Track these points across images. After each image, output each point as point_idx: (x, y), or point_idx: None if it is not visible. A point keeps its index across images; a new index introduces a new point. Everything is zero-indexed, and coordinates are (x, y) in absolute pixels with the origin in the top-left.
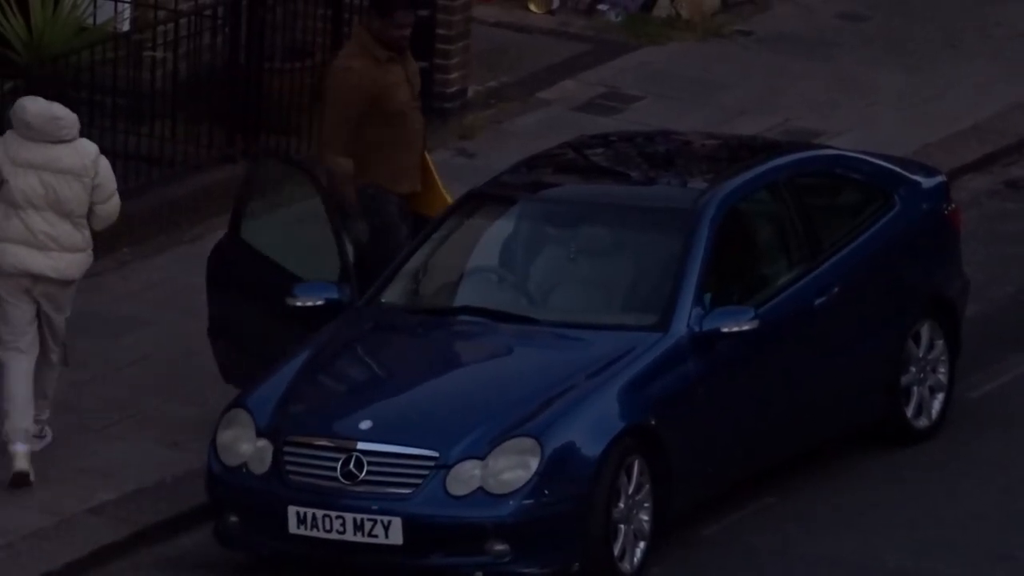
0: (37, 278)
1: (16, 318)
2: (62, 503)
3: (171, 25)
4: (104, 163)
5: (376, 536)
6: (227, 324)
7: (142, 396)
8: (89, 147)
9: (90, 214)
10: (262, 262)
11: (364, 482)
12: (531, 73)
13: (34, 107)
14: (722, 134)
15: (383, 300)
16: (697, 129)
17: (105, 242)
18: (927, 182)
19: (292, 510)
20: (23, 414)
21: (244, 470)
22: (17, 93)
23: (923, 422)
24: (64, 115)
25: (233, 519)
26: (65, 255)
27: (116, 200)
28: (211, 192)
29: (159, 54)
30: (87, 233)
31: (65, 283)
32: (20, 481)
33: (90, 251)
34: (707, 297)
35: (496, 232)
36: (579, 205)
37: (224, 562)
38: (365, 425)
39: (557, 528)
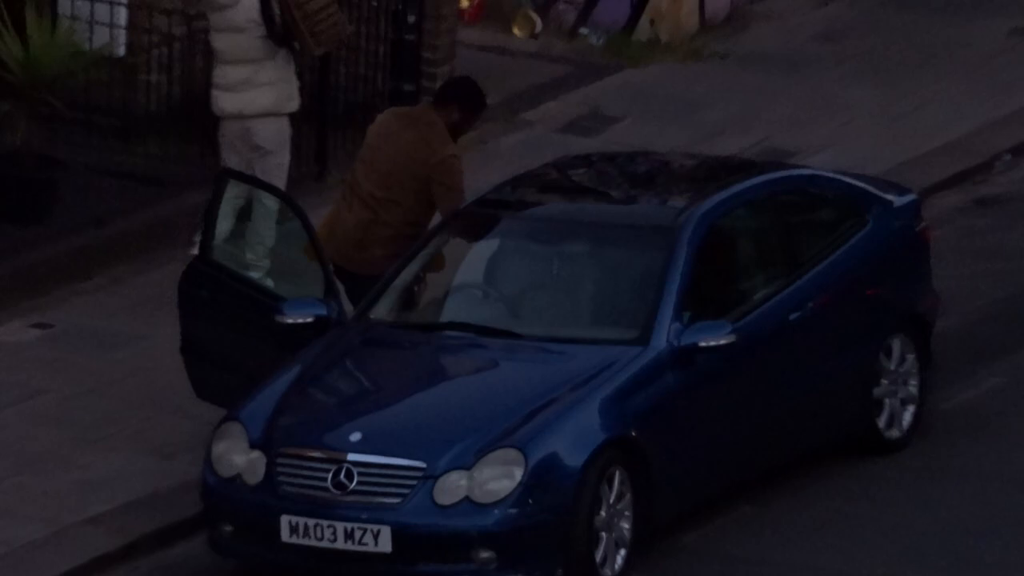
0: None
1: None
2: (59, 514)
3: (164, 49)
4: None
5: (366, 544)
6: (201, 340)
7: (136, 409)
8: None
9: None
10: (233, 281)
11: (354, 492)
12: (515, 94)
13: None
14: (701, 154)
15: (371, 316)
16: (677, 149)
17: (101, 259)
18: (899, 200)
19: (285, 519)
20: None
21: (238, 481)
22: (12, 116)
23: (895, 433)
24: None
25: (227, 529)
26: None
27: None
28: (200, 210)
29: (152, 77)
30: None
31: None
32: None
33: None
34: (686, 313)
35: (481, 249)
36: (562, 223)
37: (217, 571)
38: (355, 437)
39: (541, 536)
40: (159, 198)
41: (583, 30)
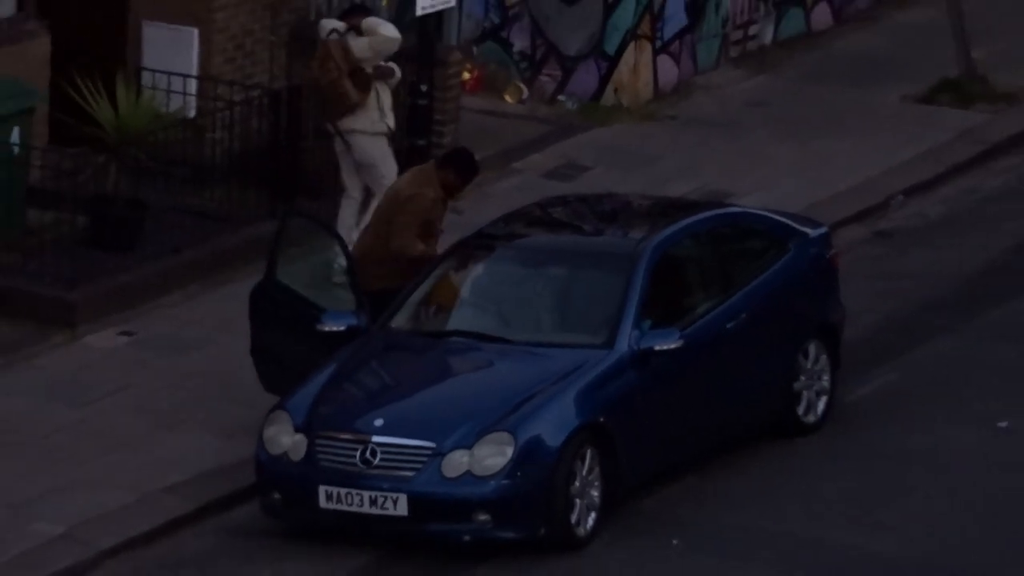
0: None
1: None
2: (143, 484)
3: (227, 112)
4: None
5: (387, 509)
6: (267, 345)
7: (204, 400)
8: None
9: None
10: (292, 297)
11: (378, 467)
12: (507, 148)
13: None
14: (655, 195)
15: (392, 325)
16: (635, 191)
17: (177, 280)
18: (814, 232)
19: (322, 489)
20: None
21: (285, 458)
22: (107, 167)
23: (811, 418)
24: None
25: (276, 496)
26: None
27: None
28: (258, 242)
29: (217, 135)
30: None
31: None
32: None
33: None
34: (646, 322)
35: (480, 272)
36: (544, 251)
37: (270, 530)
38: (378, 422)
39: (527, 502)
40: (223, 232)
41: (561, 97)
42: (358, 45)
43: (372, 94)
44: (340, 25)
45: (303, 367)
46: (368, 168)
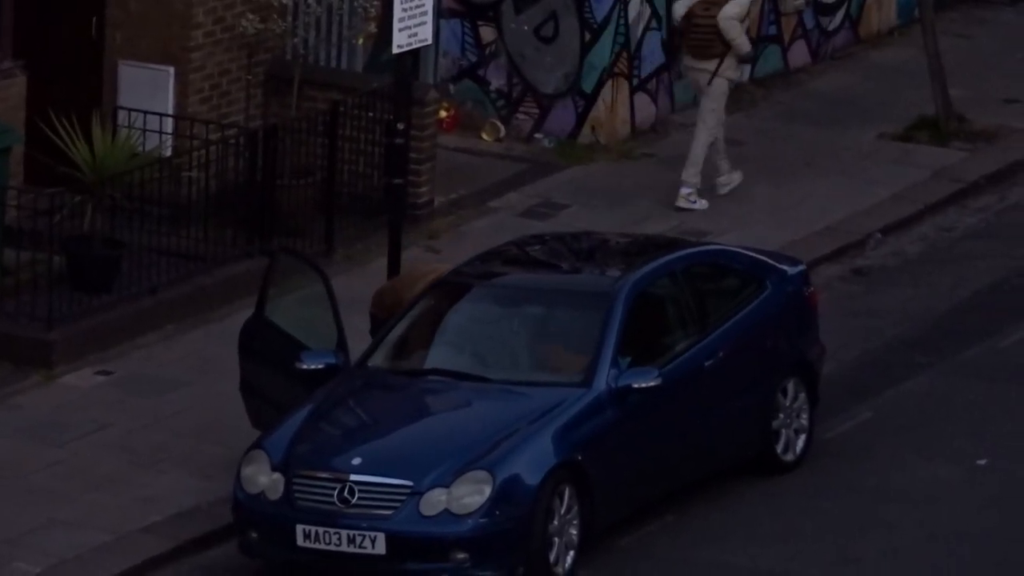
0: None
1: None
2: (121, 524)
3: (203, 151)
4: None
5: (365, 548)
6: (254, 382)
7: (182, 440)
8: None
9: None
10: (278, 334)
11: (355, 505)
12: (483, 187)
13: None
14: (632, 233)
15: (370, 364)
16: (613, 230)
17: (154, 320)
18: (791, 270)
19: (300, 528)
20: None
21: (262, 497)
22: (83, 206)
23: (789, 456)
24: None
25: (254, 535)
26: None
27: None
28: (235, 281)
29: (193, 174)
30: None
31: None
32: None
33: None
34: (624, 360)
35: (457, 310)
36: (521, 289)
37: (246, 569)
38: (356, 461)
39: (506, 540)
40: (200, 271)
41: (538, 136)
42: (731, 11)
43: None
44: None
45: (290, 403)
46: (704, 98)
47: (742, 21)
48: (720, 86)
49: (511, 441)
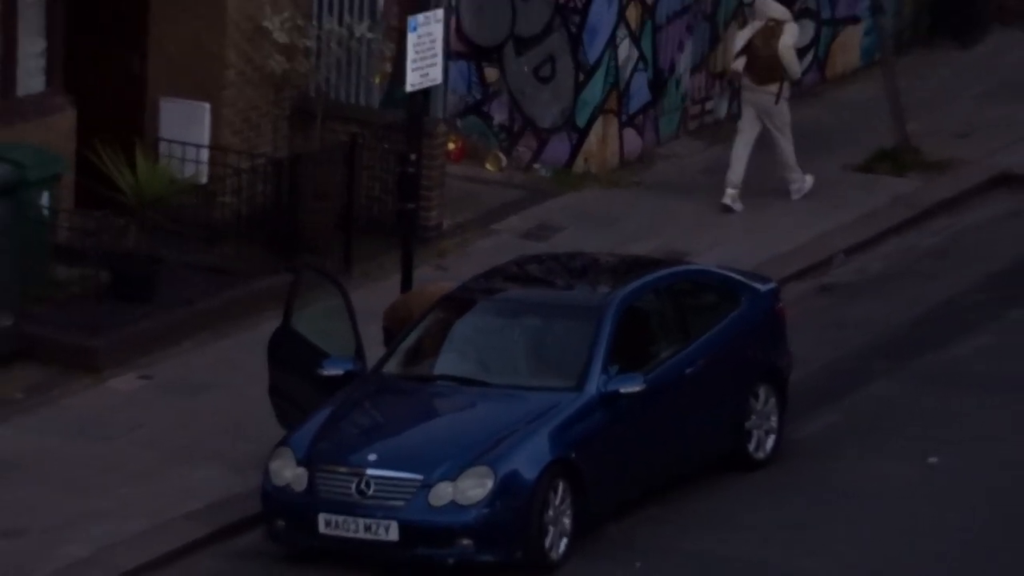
0: None
1: None
2: (161, 512)
3: (235, 178)
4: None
5: (380, 535)
6: (281, 386)
7: (215, 438)
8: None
9: None
10: (303, 342)
11: (371, 497)
12: (487, 212)
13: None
14: (620, 254)
15: (384, 370)
16: (603, 250)
17: (190, 329)
18: (763, 287)
19: (321, 517)
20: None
21: (288, 489)
22: (127, 227)
23: (760, 455)
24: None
25: (280, 523)
26: None
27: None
28: (263, 294)
29: (226, 198)
30: None
31: None
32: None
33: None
34: (613, 368)
35: (463, 322)
36: (520, 303)
37: (274, 554)
38: (372, 457)
39: (506, 529)
40: (231, 285)
41: (536, 166)
42: (786, 41)
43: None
44: (782, 14)
45: (313, 405)
46: (773, 117)
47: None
48: (784, 106)
49: (511, 440)
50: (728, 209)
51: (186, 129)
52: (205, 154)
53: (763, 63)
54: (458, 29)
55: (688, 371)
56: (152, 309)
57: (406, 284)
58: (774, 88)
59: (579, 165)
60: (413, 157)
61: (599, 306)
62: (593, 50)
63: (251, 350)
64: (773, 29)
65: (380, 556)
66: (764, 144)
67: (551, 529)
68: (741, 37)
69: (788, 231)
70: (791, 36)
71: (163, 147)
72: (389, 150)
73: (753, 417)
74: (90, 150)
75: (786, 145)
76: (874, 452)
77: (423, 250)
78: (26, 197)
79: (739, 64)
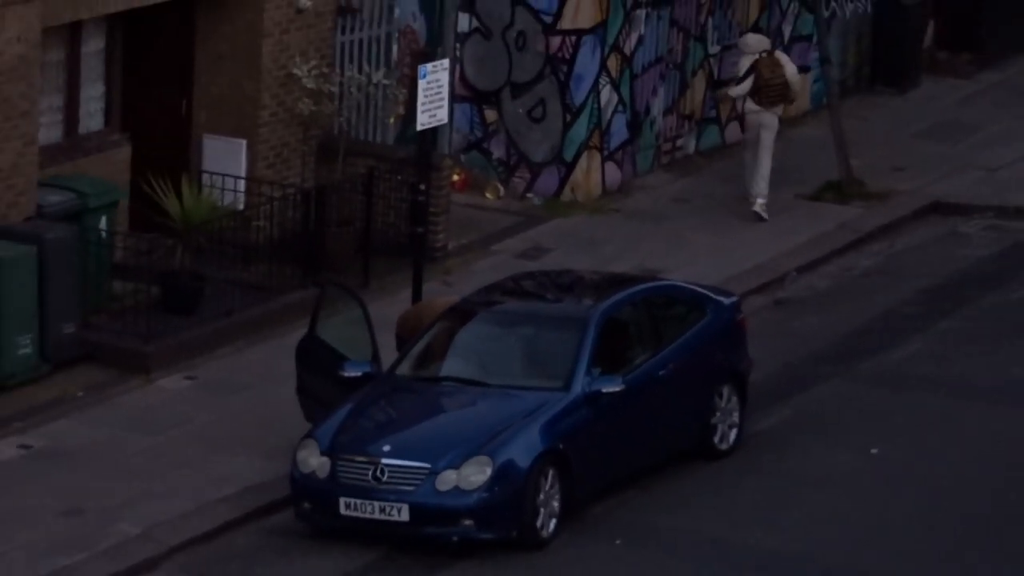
0: None
1: None
2: (202, 495)
3: (268, 206)
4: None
5: (392, 516)
6: (307, 385)
7: (250, 431)
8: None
9: None
10: (326, 348)
11: (385, 483)
12: (487, 234)
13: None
14: (602, 271)
15: (397, 372)
16: (587, 268)
17: (230, 337)
18: (726, 300)
19: (342, 500)
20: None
21: (313, 476)
22: (174, 248)
23: (724, 446)
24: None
25: (306, 505)
26: None
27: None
28: (292, 307)
29: (261, 223)
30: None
31: None
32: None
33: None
34: (596, 370)
35: (466, 331)
36: (516, 314)
37: (301, 532)
38: (386, 448)
39: (503, 510)
40: (265, 299)
41: (529, 195)
42: (792, 70)
43: None
44: (767, 44)
45: (335, 403)
46: (773, 134)
47: None
48: (776, 123)
49: (507, 433)
50: (760, 218)
51: (226, 163)
52: (242, 184)
53: (775, 90)
54: (462, 76)
55: (661, 373)
56: (196, 319)
57: (416, 297)
58: (779, 110)
59: (567, 195)
60: (423, 187)
61: (584, 317)
62: (579, 94)
63: (282, 355)
64: (773, 59)
65: (393, 534)
66: (729, 176)
67: (542, 511)
68: (745, 60)
69: (747, 252)
70: (792, 65)
71: (206, 178)
72: (402, 181)
73: (718, 413)
74: (143, 180)
75: (769, 161)
76: (823, 443)
77: (431, 268)
78: (87, 222)
79: (741, 90)
